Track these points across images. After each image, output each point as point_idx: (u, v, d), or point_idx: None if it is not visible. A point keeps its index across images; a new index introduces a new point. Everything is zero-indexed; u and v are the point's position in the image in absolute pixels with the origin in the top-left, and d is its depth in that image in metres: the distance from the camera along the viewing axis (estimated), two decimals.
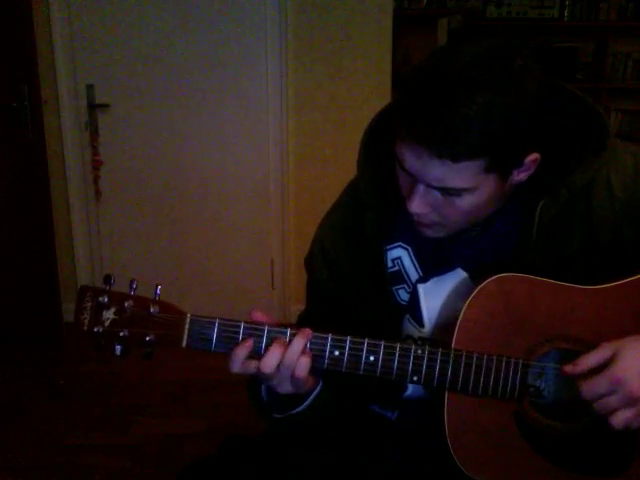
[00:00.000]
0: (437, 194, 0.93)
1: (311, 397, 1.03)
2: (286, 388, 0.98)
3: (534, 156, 0.94)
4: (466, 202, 0.93)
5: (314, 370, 0.97)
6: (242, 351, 0.94)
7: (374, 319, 1.08)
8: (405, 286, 1.11)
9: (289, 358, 0.94)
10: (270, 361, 0.94)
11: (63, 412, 2.59)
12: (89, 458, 2.32)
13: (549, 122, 0.93)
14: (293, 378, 0.96)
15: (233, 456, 1.13)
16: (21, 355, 3.03)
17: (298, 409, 1.03)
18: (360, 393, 1.11)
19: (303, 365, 0.95)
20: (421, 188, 0.93)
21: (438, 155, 0.87)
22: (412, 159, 0.90)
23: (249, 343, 0.94)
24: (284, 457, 1.12)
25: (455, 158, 0.87)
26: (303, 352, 0.94)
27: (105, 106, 3.04)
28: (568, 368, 0.95)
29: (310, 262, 1.19)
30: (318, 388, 1.03)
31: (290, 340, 0.95)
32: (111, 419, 2.56)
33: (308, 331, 0.95)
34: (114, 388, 2.74)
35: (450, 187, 0.91)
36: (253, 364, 0.95)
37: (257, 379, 1.02)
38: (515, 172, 0.95)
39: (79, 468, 2.26)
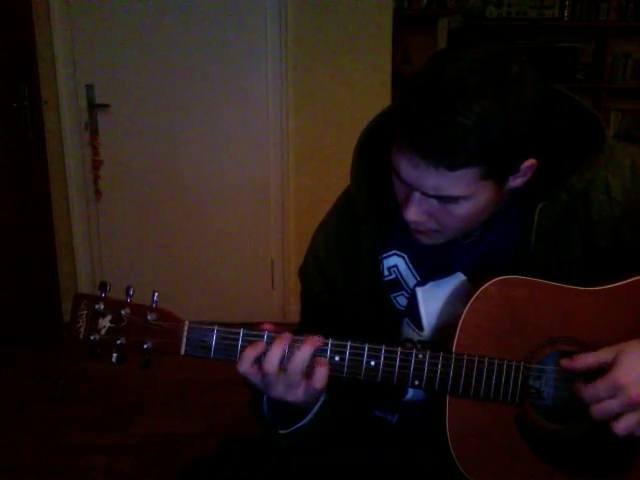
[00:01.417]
0: (434, 202, 0.93)
1: (317, 406, 1.02)
2: (296, 396, 0.96)
3: (530, 162, 0.93)
4: (463, 209, 0.93)
5: None
6: (252, 352, 0.93)
7: (373, 326, 1.07)
8: (404, 292, 1.11)
9: (296, 362, 0.93)
10: (273, 357, 0.92)
11: (63, 412, 2.59)
12: (89, 458, 2.32)
13: (546, 127, 0.93)
14: (308, 388, 0.95)
15: (232, 456, 1.13)
16: (21, 355, 3.02)
17: (305, 420, 1.02)
18: (361, 398, 1.10)
19: (321, 376, 0.94)
20: (417, 196, 0.93)
21: (435, 164, 0.87)
22: (409, 168, 0.90)
23: (261, 345, 0.93)
24: (283, 458, 1.11)
25: (452, 167, 0.87)
26: (318, 362, 0.94)
27: (105, 106, 3.04)
28: (565, 362, 0.96)
29: (305, 273, 1.18)
30: (322, 397, 1.02)
31: (296, 345, 0.93)
32: (111, 419, 2.56)
33: (316, 338, 0.95)
34: (114, 388, 2.73)
35: (447, 195, 0.91)
36: (259, 369, 0.93)
37: (261, 393, 1.02)
38: (511, 178, 0.95)
39: (79, 468, 2.26)
